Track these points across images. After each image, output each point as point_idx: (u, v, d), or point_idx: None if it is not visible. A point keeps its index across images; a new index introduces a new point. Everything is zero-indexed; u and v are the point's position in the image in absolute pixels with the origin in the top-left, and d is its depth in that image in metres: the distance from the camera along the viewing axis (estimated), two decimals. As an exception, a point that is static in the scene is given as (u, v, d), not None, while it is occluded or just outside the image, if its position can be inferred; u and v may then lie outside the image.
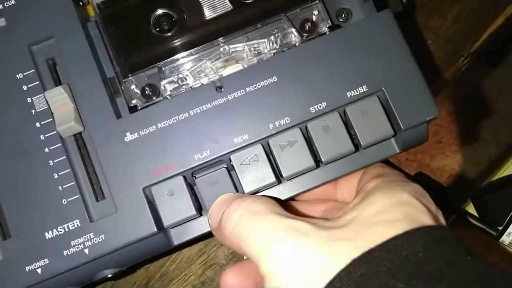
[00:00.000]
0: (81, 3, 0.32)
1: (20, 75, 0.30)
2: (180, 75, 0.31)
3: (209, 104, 0.29)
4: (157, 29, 0.31)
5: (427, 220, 0.23)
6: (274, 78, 0.29)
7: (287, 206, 0.26)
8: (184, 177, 0.29)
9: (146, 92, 0.31)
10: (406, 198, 0.24)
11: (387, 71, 0.29)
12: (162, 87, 0.31)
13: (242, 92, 0.29)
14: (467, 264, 0.21)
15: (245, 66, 0.30)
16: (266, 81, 0.29)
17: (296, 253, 0.23)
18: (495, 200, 0.36)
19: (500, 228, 0.35)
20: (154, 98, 0.31)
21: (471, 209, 0.38)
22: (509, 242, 0.34)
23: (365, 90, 0.29)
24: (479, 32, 0.42)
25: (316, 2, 0.31)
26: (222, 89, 0.29)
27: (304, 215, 0.26)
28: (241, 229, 0.26)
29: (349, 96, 0.29)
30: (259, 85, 0.29)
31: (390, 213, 0.23)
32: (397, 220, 0.23)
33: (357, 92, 0.29)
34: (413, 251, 0.21)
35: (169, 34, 0.31)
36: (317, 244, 0.23)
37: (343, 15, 0.31)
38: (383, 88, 0.29)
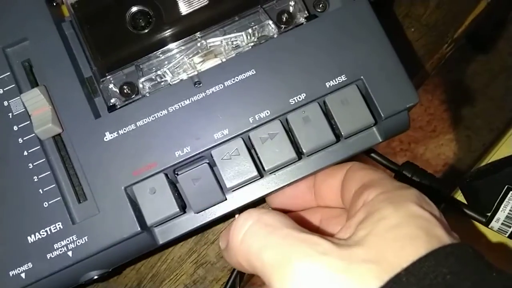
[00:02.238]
0: (54, 4, 0.31)
1: (-4, 79, 0.30)
2: (158, 72, 0.30)
3: (188, 100, 0.29)
4: (133, 26, 0.31)
5: (441, 233, 0.22)
6: (252, 71, 0.29)
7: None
8: (166, 175, 0.29)
9: (125, 91, 0.30)
10: (415, 209, 0.23)
11: (365, 60, 0.29)
12: (141, 85, 0.30)
13: (221, 86, 0.29)
14: (494, 282, 0.21)
15: (223, 60, 0.30)
16: (244, 74, 0.29)
17: (316, 276, 0.21)
18: (483, 187, 0.36)
19: (489, 214, 0.35)
20: (133, 96, 0.30)
21: (459, 196, 0.38)
22: (498, 228, 0.34)
23: (344, 79, 0.29)
24: (462, 18, 0.42)
25: (292, -8, 0.31)
26: (201, 84, 0.29)
27: (311, 229, 0.25)
28: (252, 241, 0.24)
29: (328, 86, 0.29)
30: (237, 79, 0.29)
31: (405, 227, 0.22)
32: (415, 236, 0.22)
33: (336, 81, 0.29)
34: (441, 273, 0.21)
35: (145, 31, 0.31)
36: (339, 267, 0.21)
37: (321, 5, 0.31)
38: (362, 77, 0.29)
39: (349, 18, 0.29)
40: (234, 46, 0.31)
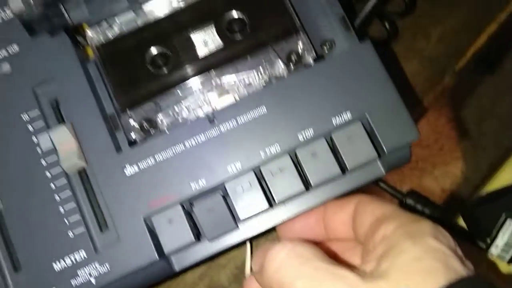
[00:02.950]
0: (80, 46, 0.34)
1: (26, 117, 0.32)
2: (176, 109, 0.33)
3: (203, 136, 0.31)
4: (153, 66, 0.33)
5: (457, 265, 0.24)
6: (264, 109, 0.31)
7: None
8: (182, 206, 0.31)
9: (144, 126, 0.32)
10: (432, 242, 0.24)
11: (370, 98, 0.31)
12: (159, 121, 0.32)
13: (234, 123, 0.31)
14: None
15: (237, 97, 0.32)
16: (256, 111, 0.31)
17: None
18: (483, 214, 0.38)
19: (489, 240, 0.36)
20: (152, 131, 0.32)
21: (461, 222, 0.39)
22: (498, 254, 0.36)
23: (349, 116, 0.30)
24: (463, 51, 0.44)
25: (300, 34, 0.33)
26: (215, 121, 0.31)
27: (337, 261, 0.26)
28: (286, 271, 0.25)
29: (334, 123, 0.30)
30: (249, 116, 0.31)
31: (424, 260, 0.24)
32: (434, 269, 0.23)
33: (342, 119, 0.30)
34: None
35: (164, 70, 0.33)
36: None
37: (327, 45, 0.33)
38: (366, 114, 0.30)
39: (355, 61, 0.31)
40: (247, 83, 0.33)
